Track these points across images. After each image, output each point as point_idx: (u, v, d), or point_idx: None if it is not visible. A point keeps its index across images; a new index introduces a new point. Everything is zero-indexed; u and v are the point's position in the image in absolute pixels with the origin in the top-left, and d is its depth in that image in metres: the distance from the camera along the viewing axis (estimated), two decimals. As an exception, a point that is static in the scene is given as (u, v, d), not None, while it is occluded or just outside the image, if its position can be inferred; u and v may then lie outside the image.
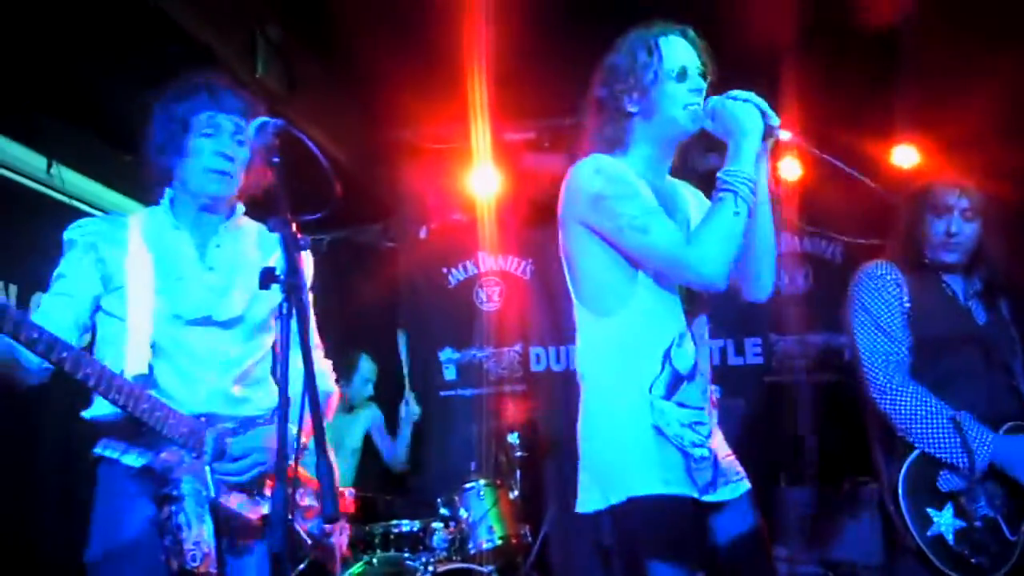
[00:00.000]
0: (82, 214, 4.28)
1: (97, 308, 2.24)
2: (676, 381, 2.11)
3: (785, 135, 2.12)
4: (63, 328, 2.09)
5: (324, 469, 1.46)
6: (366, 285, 5.53)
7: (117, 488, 2.17)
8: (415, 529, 4.08)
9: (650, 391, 2.07)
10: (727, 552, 2.14)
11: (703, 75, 2.18)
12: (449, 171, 5.27)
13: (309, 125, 4.36)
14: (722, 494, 2.13)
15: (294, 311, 1.59)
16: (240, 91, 2.28)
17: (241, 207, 2.39)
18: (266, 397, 2.35)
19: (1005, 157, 2.73)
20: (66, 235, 2.26)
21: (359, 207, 5.46)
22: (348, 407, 4.87)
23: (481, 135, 4.77)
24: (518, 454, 4.42)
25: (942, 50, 4.01)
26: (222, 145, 2.23)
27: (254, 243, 2.39)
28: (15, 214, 3.81)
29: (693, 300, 2.17)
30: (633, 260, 2.10)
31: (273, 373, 2.40)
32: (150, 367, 2.13)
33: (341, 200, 2.24)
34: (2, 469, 3.73)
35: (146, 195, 2.36)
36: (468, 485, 4.18)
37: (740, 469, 2.22)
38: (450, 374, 5.47)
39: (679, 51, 2.18)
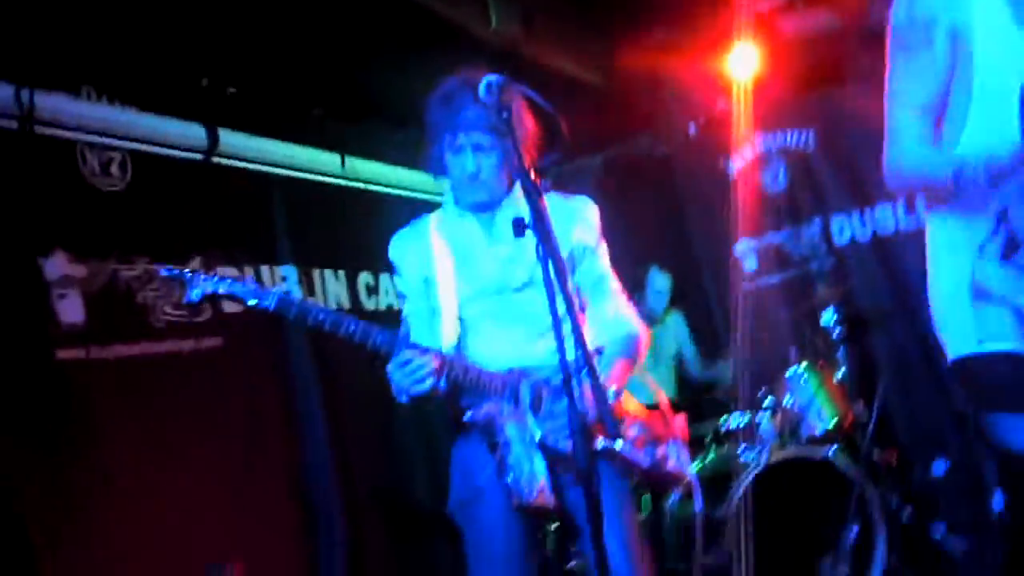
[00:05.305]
0: (379, 196, 4.77)
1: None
2: None
3: None
4: (431, 337, 2.39)
5: (598, 393, 1.57)
6: (647, 197, 5.56)
7: (465, 442, 2.46)
8: (742, 424, 4.11)
9: None
10: None
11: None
12: (704, 62, 5.08)
13: (553, 56, 4.45)
14: None
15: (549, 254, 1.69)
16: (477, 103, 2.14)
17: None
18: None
19: None
20: (389, 255, 2.55)
21: (623, 122, 5.47)
22: (651, 321, 4.87)
23: (731, 13, 4.57)
24: (836, 333, 4.24)
25: None
26: (465, 163, 2.35)
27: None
28: (313, 209, 4.34)
29: None
30: None
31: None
32: (459, 338, 2.40)
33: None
34: (372, 430, 4.32)
35: (427, 164, 2.53)
36: (788, 372, 4.11)
37: None
38: (750, 264, 5.35)
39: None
